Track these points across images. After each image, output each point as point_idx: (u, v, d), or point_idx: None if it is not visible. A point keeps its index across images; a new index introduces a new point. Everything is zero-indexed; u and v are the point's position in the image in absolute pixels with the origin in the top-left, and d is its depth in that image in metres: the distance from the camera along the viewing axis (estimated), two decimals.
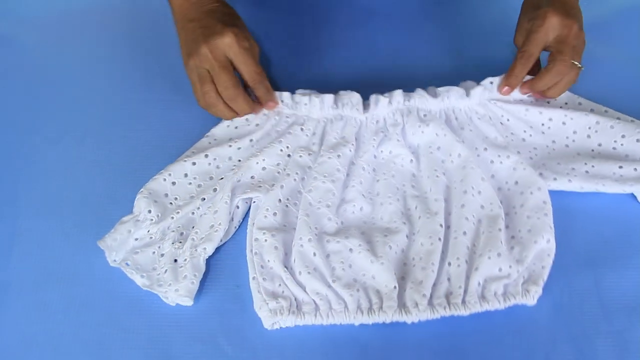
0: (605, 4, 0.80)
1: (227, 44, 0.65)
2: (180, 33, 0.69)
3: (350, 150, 0.66)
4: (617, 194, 0.64)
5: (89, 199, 0.68)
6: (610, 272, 0.60)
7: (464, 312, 0.57)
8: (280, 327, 0.59)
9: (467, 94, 0.68)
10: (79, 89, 0.77)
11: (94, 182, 0.69)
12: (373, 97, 0.69)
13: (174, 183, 0.65)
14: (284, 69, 0.77)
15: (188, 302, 0.60)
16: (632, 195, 0.64)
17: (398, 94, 0.68)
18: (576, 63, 0.66)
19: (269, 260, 0.60)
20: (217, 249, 0.63)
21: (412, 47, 0.79)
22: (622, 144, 0.66)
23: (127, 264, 0.61)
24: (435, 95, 0.69)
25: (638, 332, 0.57)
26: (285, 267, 0.60)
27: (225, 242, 0.64)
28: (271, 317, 0.58)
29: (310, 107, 0.69)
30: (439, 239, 0.60)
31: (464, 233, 0.60)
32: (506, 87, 0.68)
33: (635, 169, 0.63)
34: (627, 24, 0.77)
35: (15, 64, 0.79)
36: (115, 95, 0.76)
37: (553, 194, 0.63)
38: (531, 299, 0.58)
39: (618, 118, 0.67)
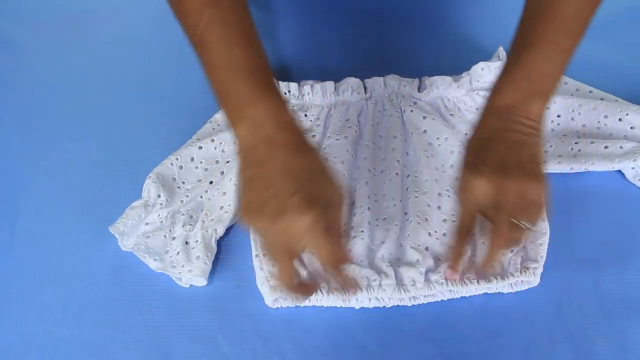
0: (605, 4, 0.80)
1: (302, 230, 0.49)
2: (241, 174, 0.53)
3: (356, 132, 0.68)
4: (615, 190, 0.64)
5: (89, 199, 0.68)
6: (610, 272, 0.60)
7: (460, 288, 0.58)
8: (281, 307, 0.59)
9: (456, 81, 0.70)
10: (78, 89, 0.77)
11: (94, 182, 0.69)
12: (369, 81, 0.71)
13: (181, 167, 0.66)
14: (291, 63, 0.77)
15: (202, 281, 0.61)
16: (632, 195, 0.64)
17: (392, 77, 0.71)
18: (521, 223, 0.52)
19: None
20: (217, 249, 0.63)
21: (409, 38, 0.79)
22: (605, 124, 0.67)
23: (139, 247, 0.62)
24: (424, 87, 0.70)
25: (637, 332, 0.57)
26: None
27: (224, 242, 0.64)
28: (272, 293, 0.58)
29: (313, 95, 0.71)
30: (426, 219, 0.61)
31: (453, 214, 0.62)
32: (449, 271, 0.58)
33: (621, 147, 0.64)
34: (627, 24, 0.77)
35: (15, 64, 0.80)
36: (115, 95, 0.76)
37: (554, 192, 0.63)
38: (532, 275, 0.58)
39: (602, 98, 0.68)
